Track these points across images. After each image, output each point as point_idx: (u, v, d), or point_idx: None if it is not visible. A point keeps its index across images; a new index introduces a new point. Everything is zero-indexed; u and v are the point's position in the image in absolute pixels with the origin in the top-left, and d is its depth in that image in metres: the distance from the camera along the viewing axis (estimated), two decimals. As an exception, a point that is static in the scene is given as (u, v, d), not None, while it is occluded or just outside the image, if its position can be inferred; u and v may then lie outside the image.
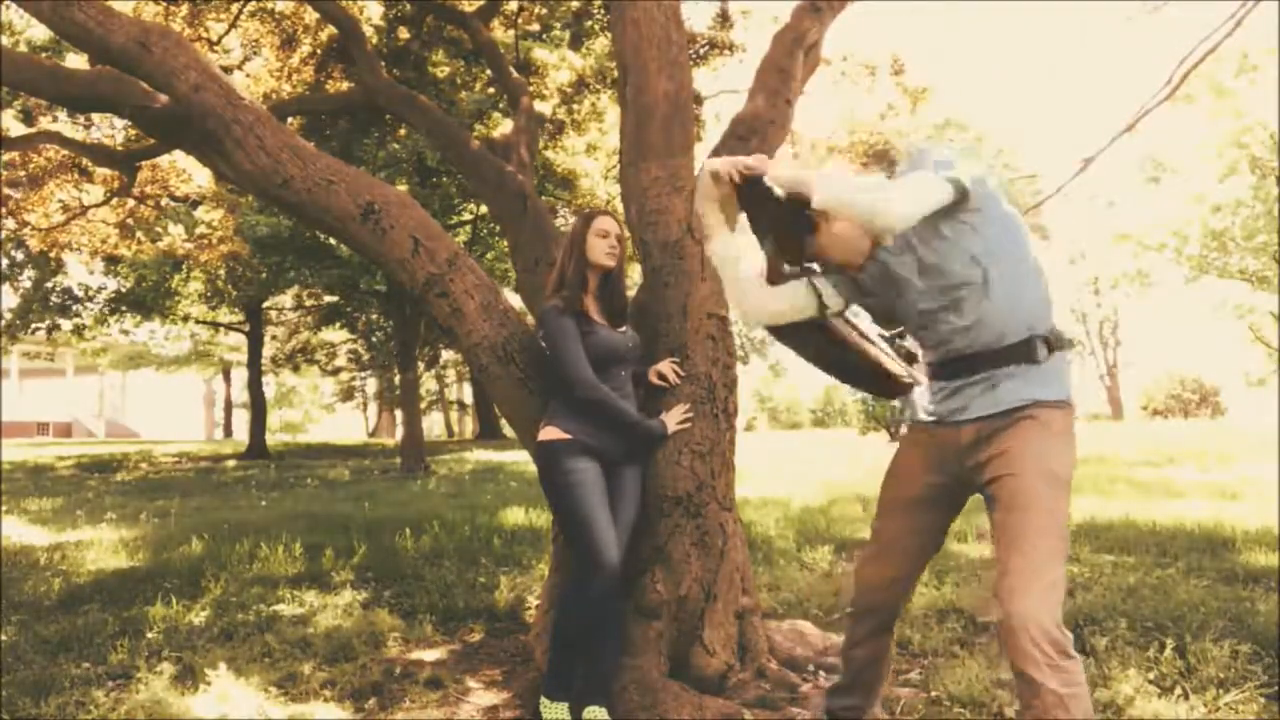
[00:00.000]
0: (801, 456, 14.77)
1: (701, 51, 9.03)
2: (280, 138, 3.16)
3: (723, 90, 11.27)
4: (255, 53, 8.64)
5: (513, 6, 8.34)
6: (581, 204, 12.74)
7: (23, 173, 8.73)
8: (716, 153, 3.77)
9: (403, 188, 12.03)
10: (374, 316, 20.09)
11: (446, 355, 25.89)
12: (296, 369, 27.04)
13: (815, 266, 2.26)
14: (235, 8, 7.69)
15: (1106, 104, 52.96)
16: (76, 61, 8.86)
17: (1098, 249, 29.66)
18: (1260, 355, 23.20)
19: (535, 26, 10.70)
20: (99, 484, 12.75)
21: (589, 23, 9.64)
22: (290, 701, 2.97)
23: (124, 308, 18.45)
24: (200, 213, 13.00)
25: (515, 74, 6.51)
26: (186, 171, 9.69)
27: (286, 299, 22.44)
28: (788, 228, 2.11)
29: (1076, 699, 1.81)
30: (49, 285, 17.80)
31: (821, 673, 3.09)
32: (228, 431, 35.14)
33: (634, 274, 7.80)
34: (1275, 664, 2.99)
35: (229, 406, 35.75)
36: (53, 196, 8.97)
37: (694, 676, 2.86)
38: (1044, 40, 67.73)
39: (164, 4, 7.38)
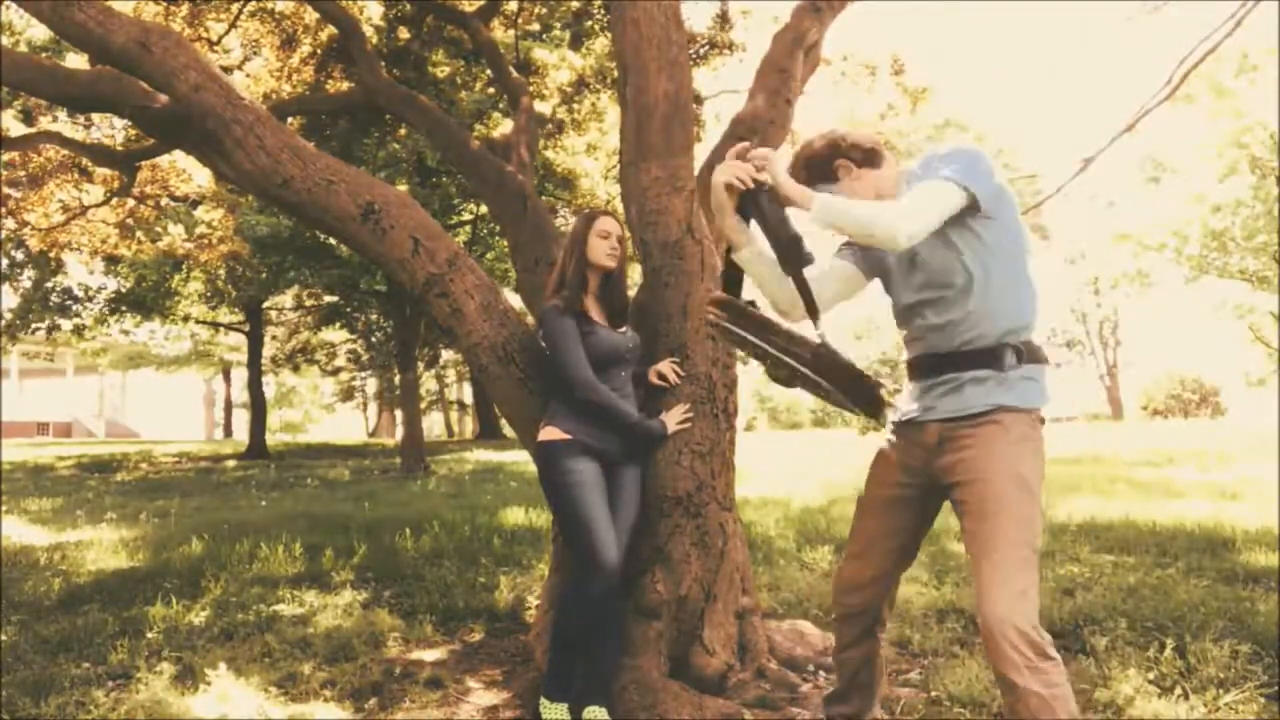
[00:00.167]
0: (801, 456, 14.78)
1: (701, 51, 9.02)
2: (280, 138, 3.16)
3: (723, 90, 11.26)
4: (255, 53, 8.62)
5: (513, 6, 8.33)
6: (581, 204, 12.72)
7: (23, 173, 8.72)
8: (717, 154, 3.77)
9: (403, 188, 12.03)
10: (374, 316, 20.09)
11: (446, 355, 25.90)
12: (296, 369, 27.05)
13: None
14: (235, 8, 7.68)
15: (1106, 104, 53.01)
16: (76, 61, 8.86)
17: (1098, 249, 29.62)
18: (1260, 355, 23.15)
19: (535, 26, 10.72)
20: (99, 484, 12.74)
21: (589, 23, 9.63)
22: (290, 701, 2.97)
23: (124, 308, 18.45)
24: (200, 213, 12.98)
25: (515, 74, 6.51)
26: (186, 171, 9.68)
27: (286, 299, 22.46)
28: (788, 235, 2.10)
29: (1060, 700, 1.82)
30: (49, 285, 17.80)
31: (821, 673, 3.09)
32: (228, 431, 35.15)
33: (634, 274, 7.80)
34: (1275, 664, 3.00)
35: (229, 406, 35.78)
36: (53, 196, 8.95)
37: (694, 676, 2.86)
38: (1044, 40, 67.80)
39: (164, 4, 7.37)
